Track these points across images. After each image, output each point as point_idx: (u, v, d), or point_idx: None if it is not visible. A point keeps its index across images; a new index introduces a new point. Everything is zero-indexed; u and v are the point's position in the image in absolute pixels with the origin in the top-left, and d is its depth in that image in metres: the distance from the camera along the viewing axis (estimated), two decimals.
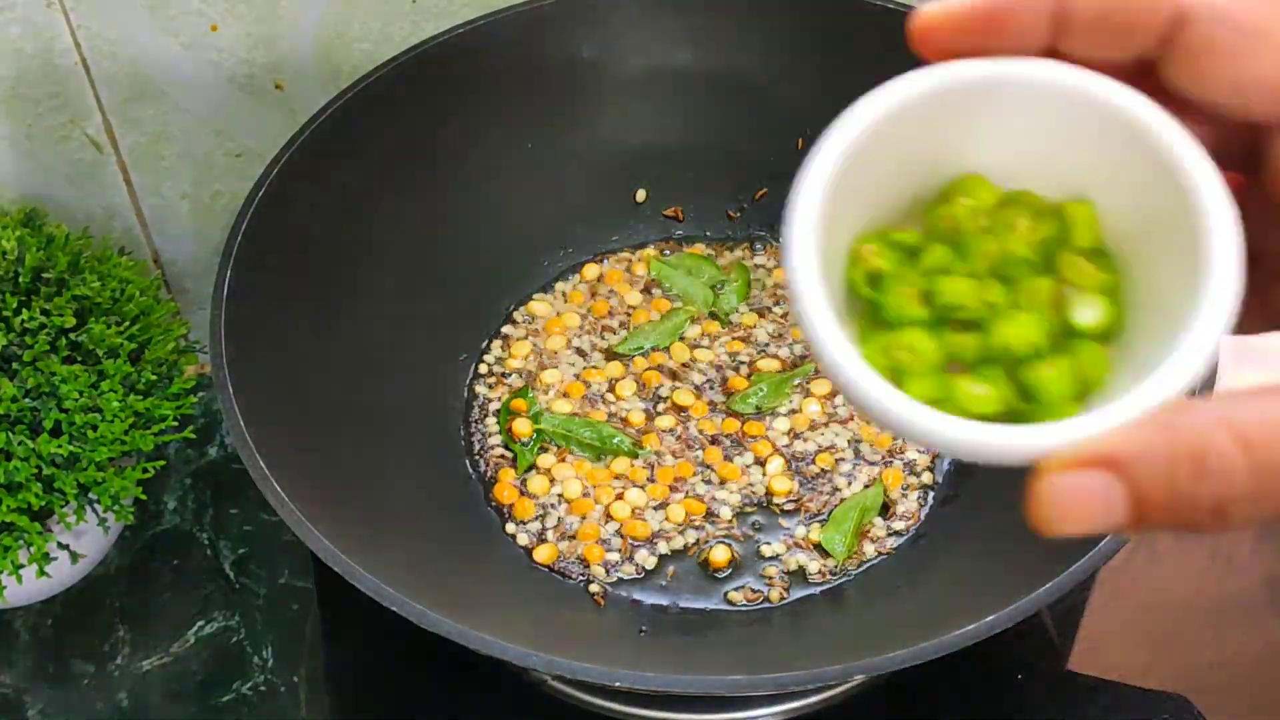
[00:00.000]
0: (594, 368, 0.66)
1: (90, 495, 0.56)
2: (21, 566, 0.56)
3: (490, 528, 0.60)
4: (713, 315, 0.68)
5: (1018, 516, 0.58)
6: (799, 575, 0.59)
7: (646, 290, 0.70)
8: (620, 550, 0.60)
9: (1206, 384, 0.50)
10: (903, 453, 0.63)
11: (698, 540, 0.60)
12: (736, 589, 0.58)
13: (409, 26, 0.67)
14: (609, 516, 0.61)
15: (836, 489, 0.61)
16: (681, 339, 0.67)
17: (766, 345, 0.67)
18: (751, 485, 0.61)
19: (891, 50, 0.70)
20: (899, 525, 0.60)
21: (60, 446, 0.54)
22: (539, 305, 0.69)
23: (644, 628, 0.57)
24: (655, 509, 0.61)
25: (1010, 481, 0.59)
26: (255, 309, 0.55)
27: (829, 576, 0.59)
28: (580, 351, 0.67)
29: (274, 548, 0.65)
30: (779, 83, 0.69)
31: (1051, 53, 0.26)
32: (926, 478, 0.62)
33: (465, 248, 0.67)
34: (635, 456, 0.62)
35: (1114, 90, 0.26)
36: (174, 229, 0.72)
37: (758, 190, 0.71)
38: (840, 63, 0.67)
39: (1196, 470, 0.23)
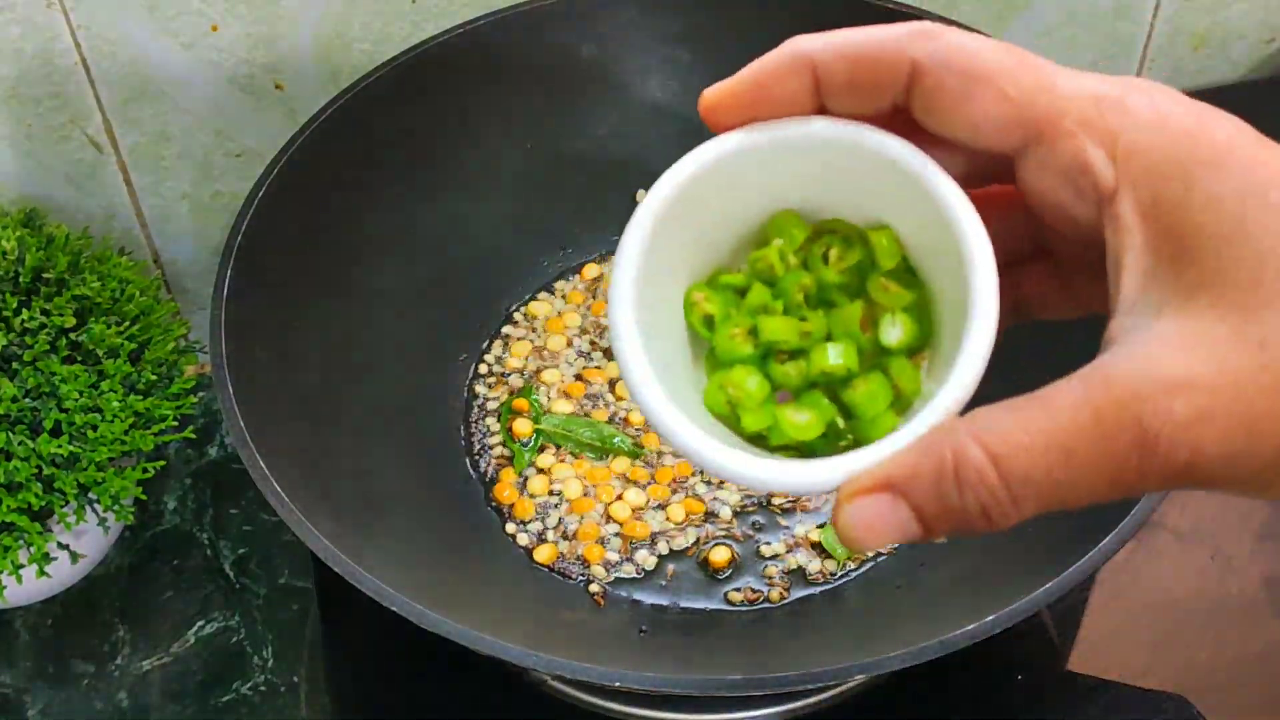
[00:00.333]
0: (595, 367, 0.66)
1: (90, 495, 0.56)
2: (21, 566, 0.56)
3: (490, 528, 0.61)
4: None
5: None
6: (799, 575, 0.59)
7: None
8: (620, 550, 0.60)
9: None
10: None
11: (698, 540, 0.60)
12: (736, 589, 0.58)
13: (409, 26, 0.67)
14: (609, 516, 0.61)
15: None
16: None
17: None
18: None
19: None
20: None
21: (60, 446, 0.54)
22: (539, 305, 0.69)
23: (644, 628, 0.57)
24: (655, 509, 0.61)
25: None
26: (255, 309, 0.55)
27: (829, 576, 0.59)
28: (580, 351, 0.67)
29: (274, 548, 0.65)
30: None
31: (823, 109, 0.30)
32: None
33: (465, 248, 0.67)
34: (635, 456, 0.62)
35: (875, 137, 0.29)
36: (174, 229, 0.72)
37: None
38: None
39: (958, 485, 0.27)
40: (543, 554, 0.59)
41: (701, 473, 0.62)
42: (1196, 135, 0.28)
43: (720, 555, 0.59)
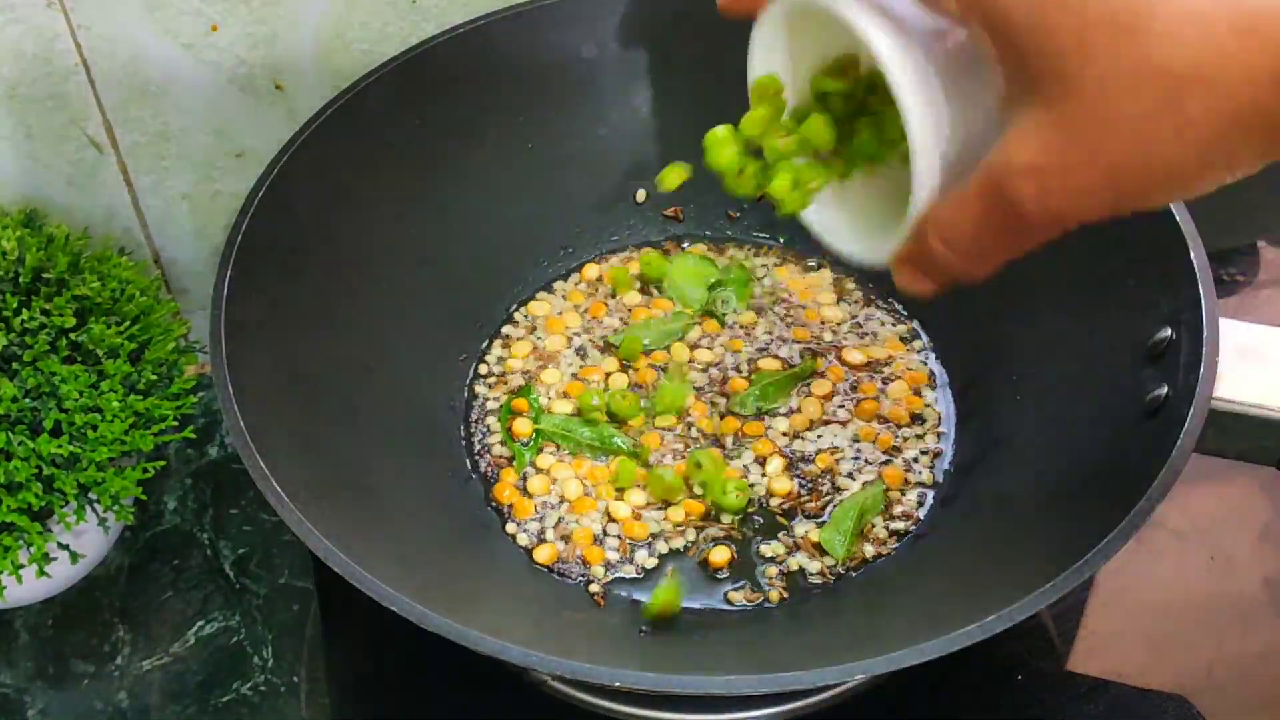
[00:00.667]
0: (594, 366, 0.66)
1: (90, 495, 0.56)
2: (21, 566, 0.56)
3: (490, 528, 0.61)
4: (712, 315, 0.68)
5: (1018, 517, 0.58)
6: (799, 575, 0.59)
7: (646, 290, 0.70)
8: (620, 550, 0.60)
9: (1207, 378, 0.50)
10: (902, 452, 0.63)
11: (698, 540, 0.60)
12: (736, 589, 0.58)
13: (409, 26, 0.67)
14: (609, 516, 0.61)
15: (837, 489, 0.61)
16: (681, 339, 0.67)
17: (766, 345, 0.67)
18: (751, 485, 0.61)
19: None
20: (899, 525, 0.60)
21: (60, 446, 0.54)
22: (539, 305, 0.69)
23: (644, 628, 0.57)
24: (655, 509, 0.61)
25: (1010, 482, 0.59)
26: (255, 309, 0.55)
27: (829, 576, 0.59)
28: (580, 351, 0.67)
29: (274, 548, 0.65)
30: None
31: None
32: (926, 477, 0.62)
33: (465, 248, 0.67)
34: (635, 457, 0.62)
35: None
36: (174, 229, 0.72)
37: None
38: None
39: (933, 259, 0.39)
40: (543, 554, 0.59)
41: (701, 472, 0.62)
42: None
43: (720, 555, 0.59)
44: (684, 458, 0.62)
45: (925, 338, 0.67)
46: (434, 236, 0.66)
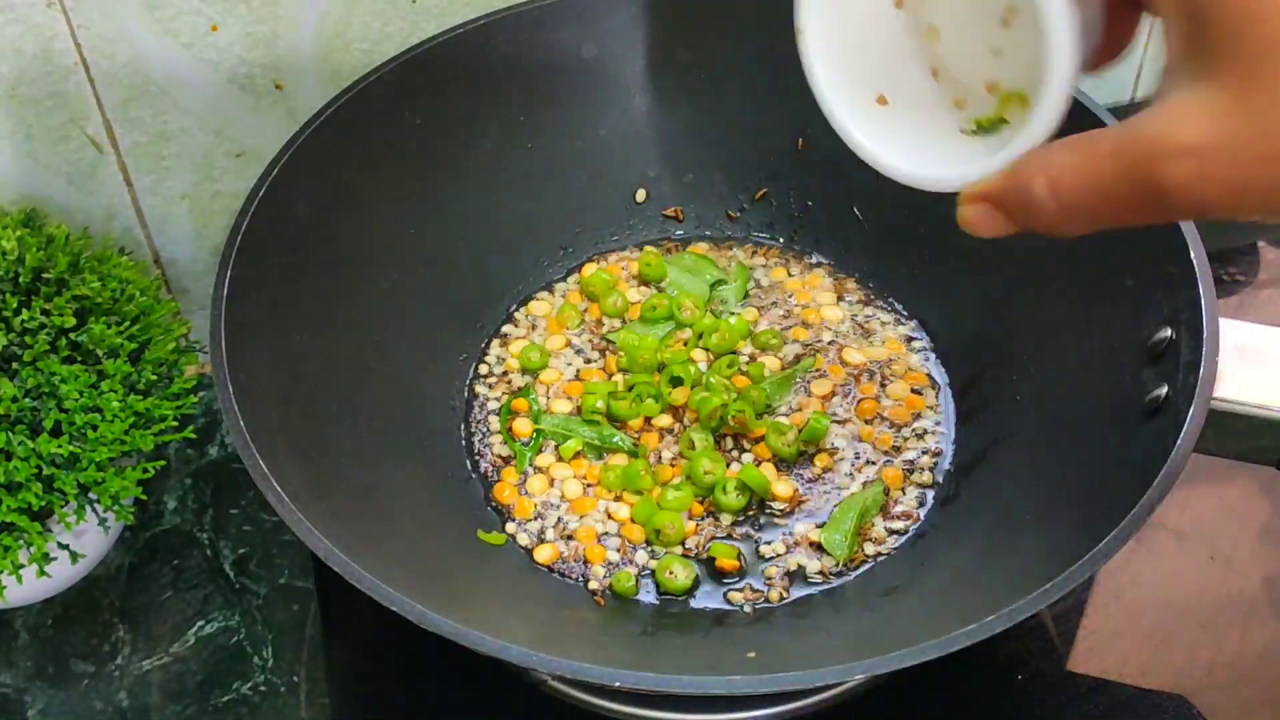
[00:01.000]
0: (594, 367, 0.66)
1: (90, 495, 0.56)
2: (21, 566, 0.56)
3: (490, 528, 0.60)
4: (712, 314, 0.68)
5: (1018, 516, 0.58)
6: (799, 575, 0.59)
7: (646, 290, 0.70)
8: (620, 550, 0.60)
9: (1207, 378, 0.50)
10: (902, 452, 0.63)
11: (698, 540, 0.60)
12: (737, 589, 0.58)
13: (409, 26, 0.67)
14: (609, 516, 0.61)
15: (837, 489, 0.61)
16: (680, 339, 0.67)
17: (766, 345, 0.67)
18: (751, 485, 0.61)
19: None
20: (899, 525, 0.60)
21: (60, 446, 0.54)
22: (539, 305, 0.69)
23: (644, 628, 0.56)
24: (655, 509, 0.61)
25: (1010, 481, 0.59)
26: (255, 309, 0.55)
27: (829, 576, 0.59)
28: (580, 351, 0.67)
29: (274, 548, 0.65)
30: (779, 82, 0.68)
31: None
32: (926, 477, 0.62)
33: (465, 248, 0.67)
34: (635, 456, 0.62)
35: None
36: (174, 229, 0.72)
37: (758, 190, 0.71)
38: None
39: (1029, 203, 0.35)
40: (543, 554, 0.59)
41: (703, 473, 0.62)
42: None
43: (720, 555, 0.59)
44: (683, 458, 0.62)
45: (925, 338, 0.67)
46: (434, 236, 0.66)
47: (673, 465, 0.62)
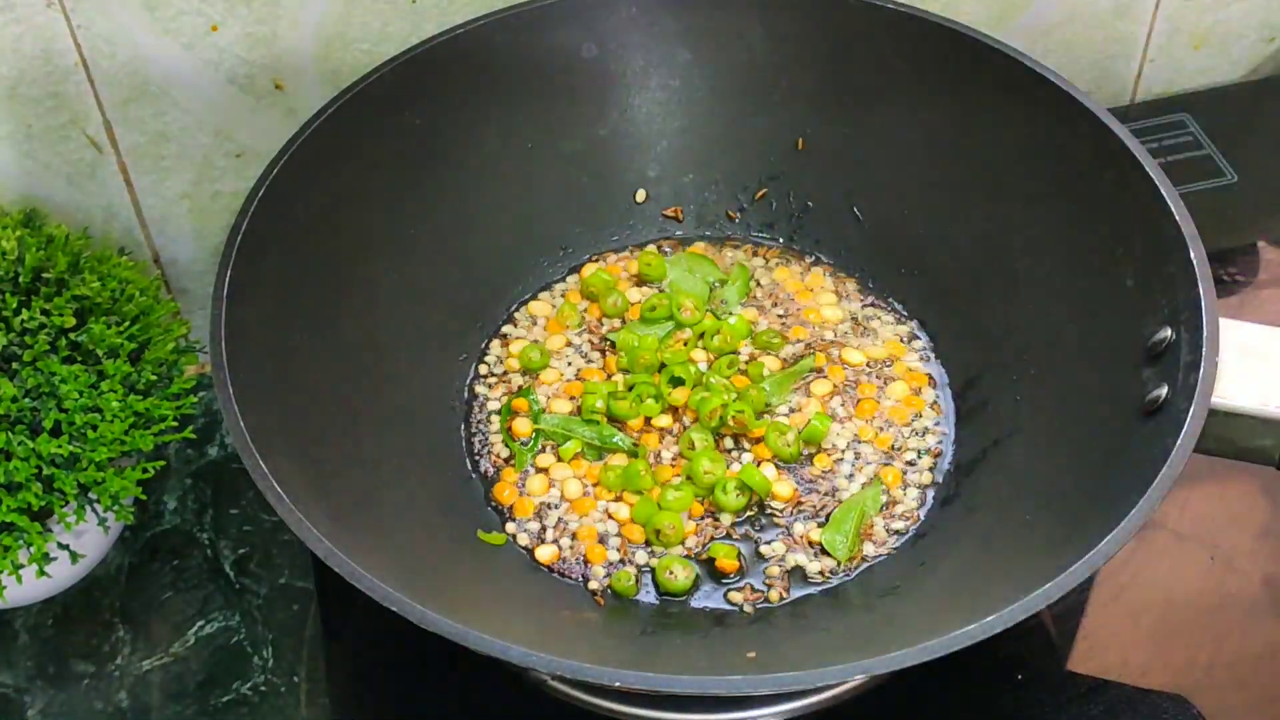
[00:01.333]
0: (594, 367, 0.66)
1: (90, 495, 0.56)
2: (21, 566, 0.56)
3: (490, 528, 0.60)
4: (712, 314, 0.68)
5: (1018, 516, 0.58)
6: (799, 575, 0.59)
7: (646, 290, 0.70)
8: (620, 550, 0.60)
9: (1207, 378, 0.50)
10: (902, 452, 0.63)
11: (698, 540, 0.60)
12: (737, 589, 0.58)
13: (409, 26, 0.67)
14: (609, 516, 0.61)
15: (836, 489, 0.61)
16: (680, 339, 0.67)
17: (766, 345, 0.67)
18: (751, 485, 0.61)
19: (892, 50, 0.71)
20: (899, 525, 0.60)
21: (60, 446, 0.54)
22: (539, 305, 0.69)
23: (644, 628, 0.57)
24: (655, 509, 0.61)
25: (1010, 481, 0.59)
26: (255, 309, 0.55)
27: (829, 576, 0.59)
28: (580, 351, 0.67)
29: (274, 548, 0.65)
30: (779, 82, 0.69)
31: None
32: (926, 477, 0.62)
33: (465, 248, 0.67)
34: (635, 456, 0.62)
35: None
36: (174, 229, 0.72)
37: (758, 190, 0.71)
38: (840, 63, 0.67)
39: None
40: (543, 554, 0.59)
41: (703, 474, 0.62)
42: None
43: (721, 555, 0.59)
44: (683, 458, 0.62)
45: (925, 338, 0.67)
46: (434, 237, 0.66)
47: (673, 465, 0.62)
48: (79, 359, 0.57)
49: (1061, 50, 0.80)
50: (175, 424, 0.58)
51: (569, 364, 0.67)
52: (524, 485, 0.62)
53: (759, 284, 0.70)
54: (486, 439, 0.64)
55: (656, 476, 0.61)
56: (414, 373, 0.64)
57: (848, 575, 0.59)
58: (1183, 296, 0.54)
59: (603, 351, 0.67)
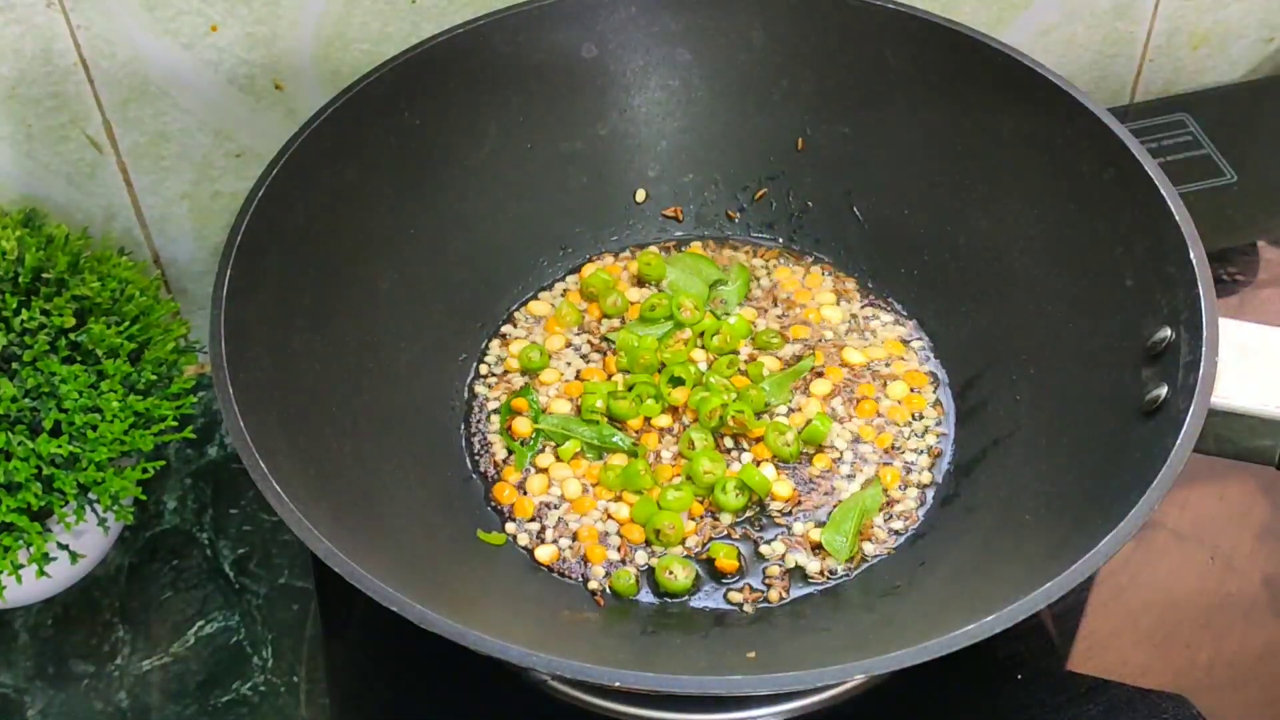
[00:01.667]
0: (594, 367, 0.66)
1: (90, 495, 0.56)
2: (21, 566, 0.56)
3: (490, 528, 0.60)
4: (712, 314, 0.68)
5: (1018, 516, 0.58)
6: (799, 575, 0.59)
7: (646, 290, 0.70)
8: (620, 550, 0.60)
9: (1207, 378, 0.50)
10: (902, 452, 0.63)
11: (698, 540, 0.60)
12: (736, 589, 0.58)
13: (409, 26, 0.67)
14: (609, 516, 0.61)
15: (836, 489, 0.61)
16: (681, 339, 0.67)
17: (766, 345, 0.67)
18: (751, 485, 0.61)
19: (892, 50, 0.71)
20: (899, 525, 0.60)
21: (60, 446, 0.54)
22: (539, 305, 0.69)
23: (644, 628, 0.57)
24: (655, 509, 0.61)
25: (1010, 481, 0.59)
26: (255, 309, 0.55)
27: (829, 576, 0.59)
28: (580, 351, 0.67)
29: (274, 548, 0.65)
30: (779, 82, 0.69)
31: None
32: (926, 478, 0.62)
33: (465, 247, 0.67)
34: (635, 456, 0.62)
35: None
36: (174, 229, 0.72)
37: (758, 190, 0.71)
38: (840, 63, 0.67)
39: None
40: (543, 554, 0.59)
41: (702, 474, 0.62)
42: None
43: (720, 555, 0.59)
44: (683, 458, 0.62)
45: (925, 338, 0.67)
46: (434, 236, 0.66)
47: (672, 465, 0.62)
48: (79, 359, 0.57)
49: (1061, 50, 0.80)
50: (175, 424, 0.58)
51: (569, 364, 0.67)
52: (524, 485, 0.62)
53: (759, 284, 0.70)
54: (486, 439, 0.64)
55: (656, 476, 0.61)
56: (414, 373, 0.64)
57: (847, 575, 0.59)
58: (1182, 296, 0.54)
59: (602, 351, 0.67)
